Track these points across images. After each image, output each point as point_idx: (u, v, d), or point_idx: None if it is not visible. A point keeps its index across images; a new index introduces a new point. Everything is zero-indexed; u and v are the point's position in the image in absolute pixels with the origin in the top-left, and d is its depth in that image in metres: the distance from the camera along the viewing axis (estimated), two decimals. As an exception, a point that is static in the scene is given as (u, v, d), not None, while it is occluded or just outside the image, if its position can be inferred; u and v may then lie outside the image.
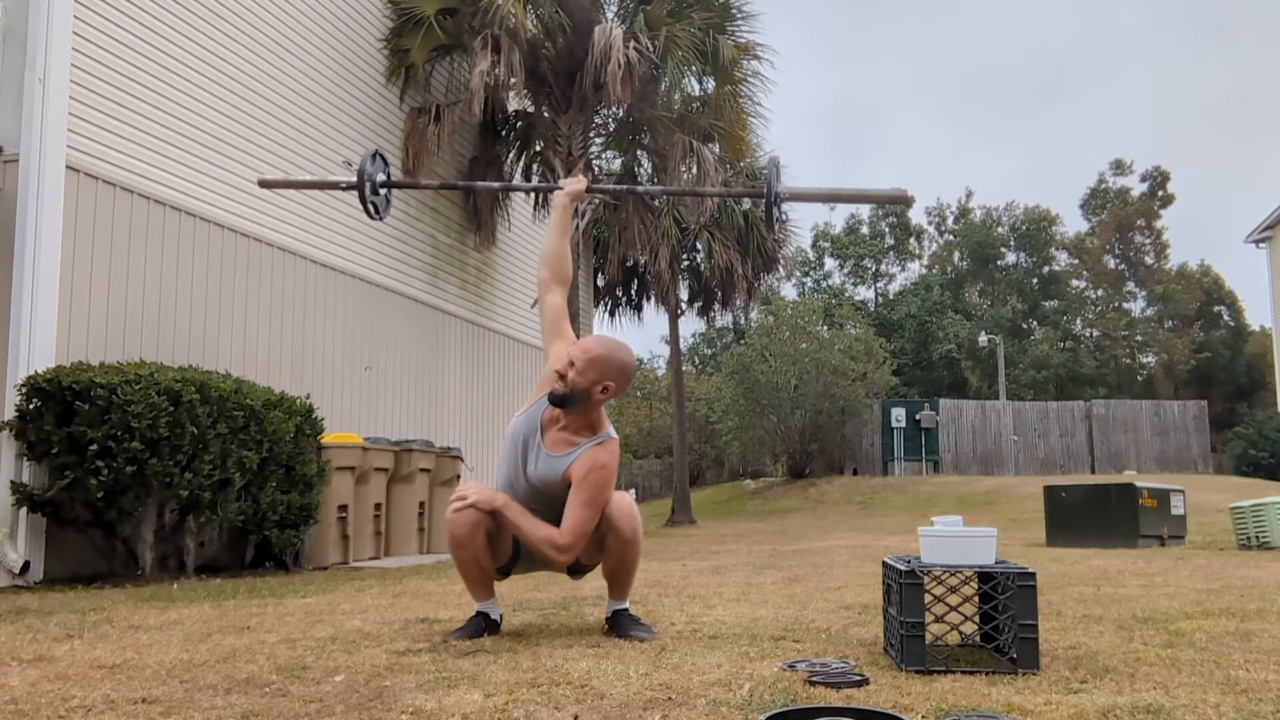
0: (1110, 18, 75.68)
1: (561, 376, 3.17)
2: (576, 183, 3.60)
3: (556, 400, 3.20)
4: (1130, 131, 73.85)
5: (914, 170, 73.22)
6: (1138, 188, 43.25)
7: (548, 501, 3.25)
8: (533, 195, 12.96)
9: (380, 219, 3.70)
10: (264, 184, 3.91)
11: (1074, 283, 43.31)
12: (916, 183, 73.56)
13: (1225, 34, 73.71)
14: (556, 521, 3.19)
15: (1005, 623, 2.72)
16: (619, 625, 3.36)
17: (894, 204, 3.06)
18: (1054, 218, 43.04)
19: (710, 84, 12.63)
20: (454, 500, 3.23)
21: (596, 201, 12.32)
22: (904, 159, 74.95)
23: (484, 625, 3.39)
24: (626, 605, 3.44)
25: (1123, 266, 43.56)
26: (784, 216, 3.37)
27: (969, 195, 52.80)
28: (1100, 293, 43.26)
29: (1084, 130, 70.68)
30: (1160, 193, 42.91)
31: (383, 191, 3.62)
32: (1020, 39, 76.82)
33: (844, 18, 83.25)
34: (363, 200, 3.58)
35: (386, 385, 10.26)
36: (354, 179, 3.58)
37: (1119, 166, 43.77)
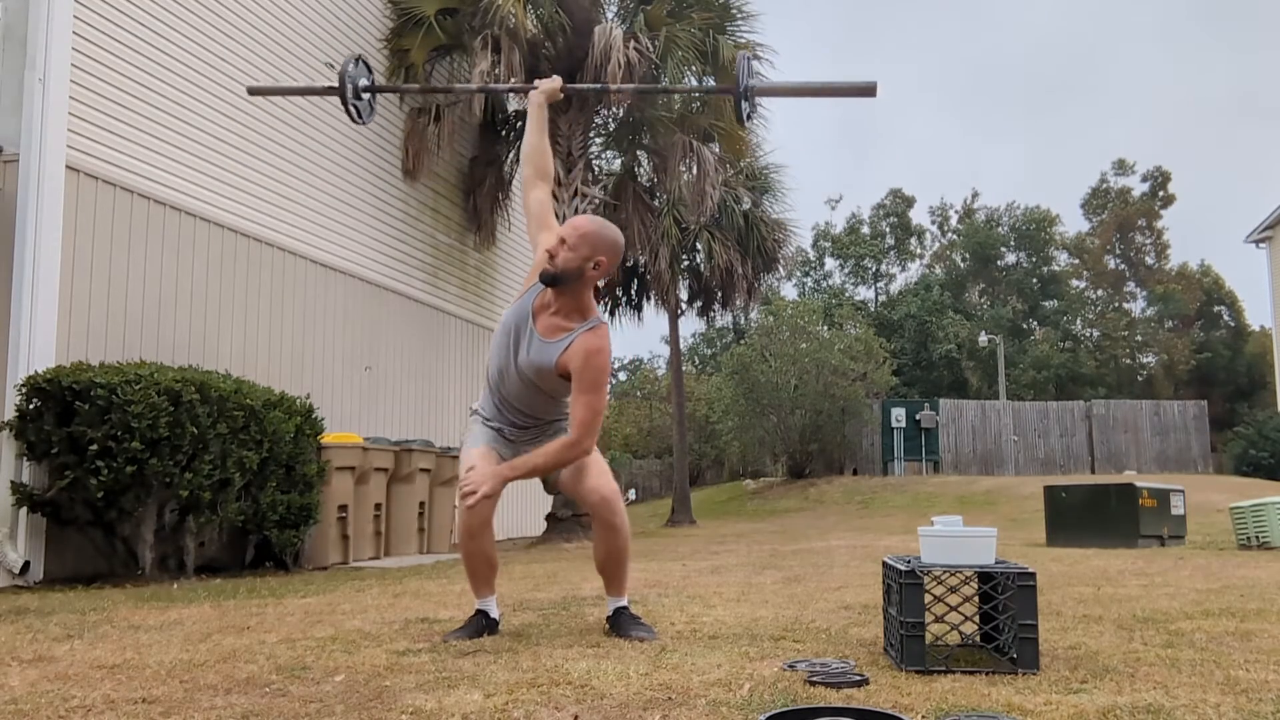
0: (1111, 18, 75.72)
1: (553, 256, 3.19)
2: (551, 82, 3.63)
3: (549, 279, 3.21)
4: (1131, 131, 73.89)
5: (918, 168, 73.29)
6: (1139, 188, 43.31)
7: (537, 393, 3.29)
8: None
9: (363, 123, 3.78)
10: (253, 91, 3.97)
11: (1074, 283, 43.31)
12: (922, 180, 73.65)
13: (1226, 33, 73.76)
14: (541, 435, 3.32)
15: (1005, 623, 2.72)
16: (619, 624, 3.36)
17: (860, 96, 3.05)
18: (1054, 218, 43.06)
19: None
20: (464, 492, 3.21)
21: (597, 201, 12.32)
22: (908, 156, 75.00)
23: (484, 624, 3.39)
24: (626, 602, 3.44)
25: (1123, 267, 43.56)
26: (753, 110, 3.46)
27: (974, 195, 52.74)
28: (1100, 293, 43.26)
29: (1084, 130, 70.72)
30: (1161, 193, 42.91)
31: (365, 96, 3.67)
32: (1022, 39, 76.87)
33: (851, 14, 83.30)
34: (344, 103, 3.64)
35: (386, 385, 10.26)
36: (336, 83, 3.65)
37: (1121, 166, 43.79)
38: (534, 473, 3.25)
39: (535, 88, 3.63)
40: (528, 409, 3.36)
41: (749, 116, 3.47)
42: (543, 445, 3.29)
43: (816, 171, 75.72)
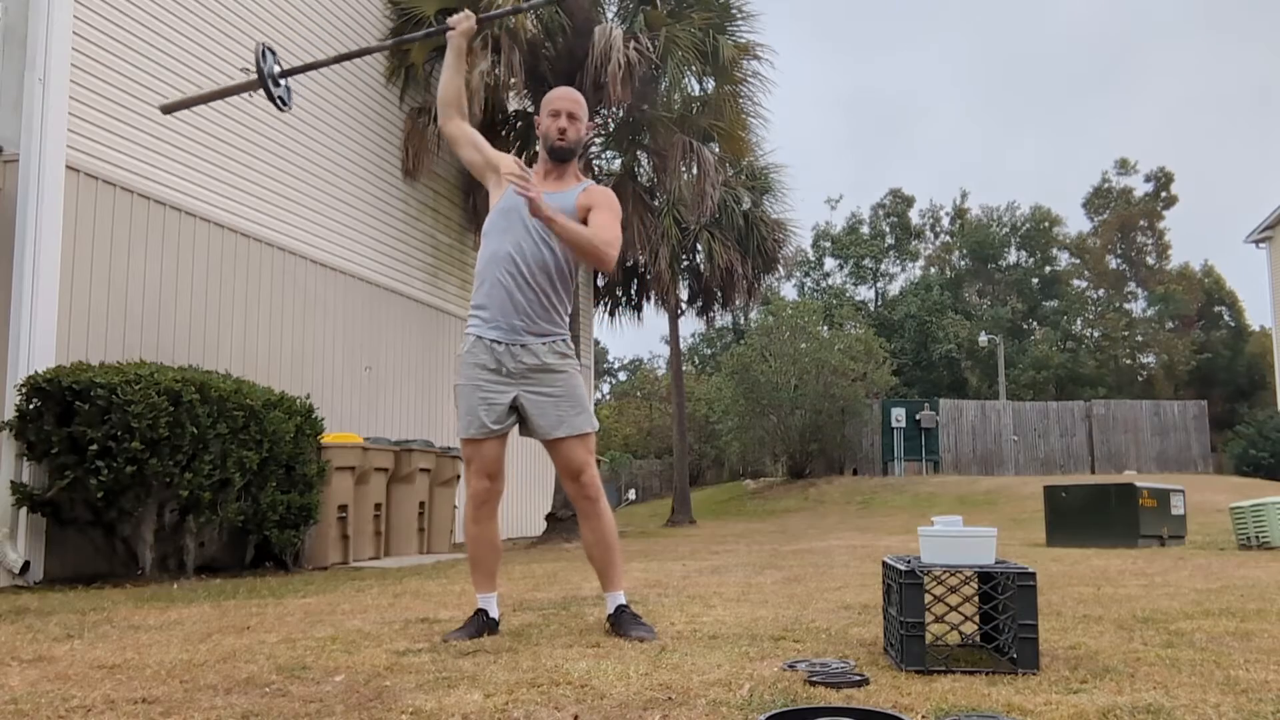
0: (1111, 17, 75.72)
1: (563, 132, 3.47)
2: (465, 19, 3.64)
3: (568, 153, 3.50)
4: (1131, 131, 73.87)
5: (927, 167, 73.30)
6: (1141, 188, 43.30)
7: (549, 262, 3.42)
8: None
9: (288, 109, 3.78)
10: (166, 109, 3.87)
11: (1074, 283, 43.29)
12: (928, 177, 73.59)
13: (1226, 32, 73.76)
14: (540, 358, 3.43)
15: (1005, 623, 2.72)
16: (620, 623, 3.37)
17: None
18: (1056, 218, 43.04)
19: (710, 84, 12.62)
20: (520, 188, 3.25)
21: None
22: (914, 153, 74.98)
23: (484, 624, 3.40)
24: (624, 599, 3.47)
25: (1124, 267, 43.55)
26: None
27: (964, 195, 52.77)
28: (1101, 293, 43.24)
29: (1084, 129, 70.72)
30: (1164, 193, 42.90)
31: (283, 82, 3.68)
32: (1024, 38, 76.85)
33: (861, 11, 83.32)
34: (270, 97, 3.65)
35: (386, 385, 10.26)
36: (253, 78, 3.63)
37: (1124, 166, 43.76)
38: (566, 233, 3.32)
39: (451, 28, 3.61)
40: (537, 287, 3.42)
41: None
42: (542, 389, 3.39)
43: (826, 169, 75.83)
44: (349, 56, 3.80)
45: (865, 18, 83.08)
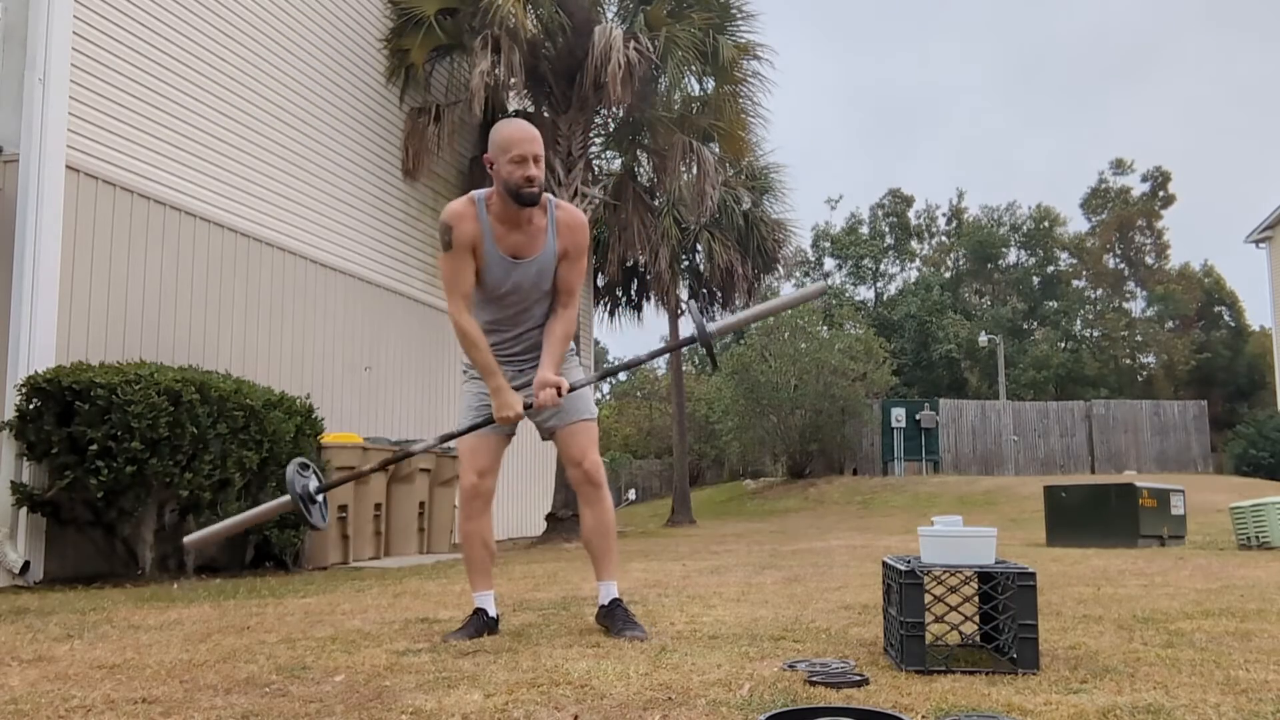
0: (1109, 17, 75.72)
1: (530, 180, 3.25)
2: (511, 414, 3.36)
3: (537, 198, 3.29)
4: (1132, 130, 73.86)
5: (924, 166, 73.32)
6: (1139, 187, 43.29)
7: (540, 293, 3.43)
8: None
9: (323, 527, 3.47)
10: (190, 544, 3.53)
11: (1075, 283, 43.28)
12: (931, 176, 73.59)
13: (1226, 32, 73.75)
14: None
15: (1005, 623, 2.72)
16: (613, 619, 3.40)
17: (814, 298, 3.29)
18: (1058, 218, 43.04)
19: (710, 84, 12.61)
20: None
21: (597, 201, 12.32)
22: (916, 153, 74.99)
23: (483, 624, 3.40)
24: (617, 592, 3.49)
25: (1123, 267, 43.54)
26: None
27: (961, 196, 52.76)
28: (1100, 293, 43.23)
29: (1085, 129, 70.74)
30: (1161, 193, 42.89)
31: (320, 497, 3.38)
32: (1024, 37, 76.85)
33: (865, 10, 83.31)
34: (305, 515, 3.31)
35: (386, 385, 10.26)
36: (286, 500, 3.30)
37: (1120, 166, 43.75)
38: (559, 361, 3.39)
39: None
40: (529, 317, 3.47)
41: (715, 361, 3.47)
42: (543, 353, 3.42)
43: (829, 168, 75.89)
44: (389, 464, 3.61)
45: (868, 16, 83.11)
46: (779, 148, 45.29)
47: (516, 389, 3.41)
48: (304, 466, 3.35)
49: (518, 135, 3.25)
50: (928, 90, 77.42)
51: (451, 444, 3.58)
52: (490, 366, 3.33)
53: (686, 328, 16.13)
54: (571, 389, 3.33)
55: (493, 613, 3.45)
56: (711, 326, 3.26)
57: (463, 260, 3.32)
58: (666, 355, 22.41)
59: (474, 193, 3.39)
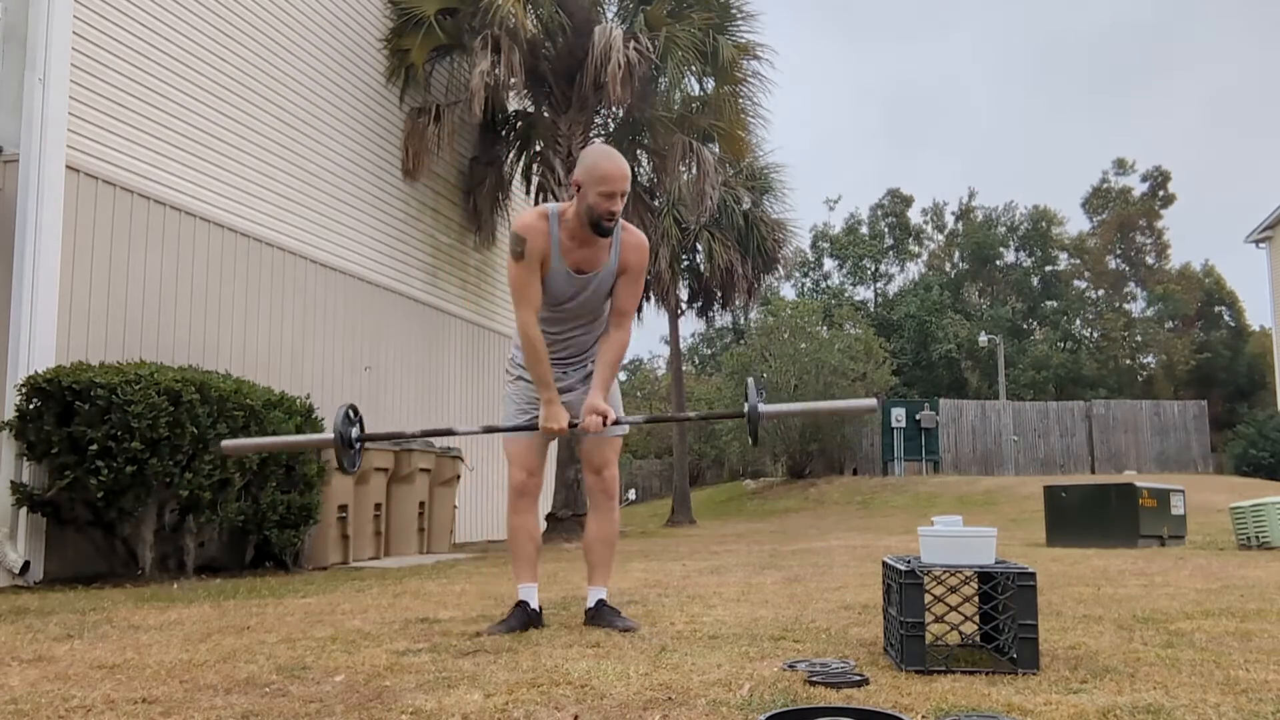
0: (1111, 17, 75.71)
1: (613, 215, 3.33)
2: (556, 426, 3.44)
3: (613, 230, 3.39)
4: (1132, 129, 73.86)
5: (926, 166, 73.32)
6: (1139, 187, 43.28)
7: (597, 305, 3.53)
8: (533, 196, 12.96)
9: (353, 472, 3.56)
10: (226, 447, 3.63)
11: (1075, 283, 43.27)
12: (933, 176, 73.58)
13: (1225, 31, 73.74)
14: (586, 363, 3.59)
15: (1005, 623, 2.72)
16: (602, 616, 3.50)
17: (861, 413, 3.36)
18: (1055, 218, 43.02)
19: (710, 84, 12.62)
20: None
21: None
22: (927, 150, 74.94)
23: (527, 618, 3.47)
24: (605, 595, 3.61)
25: (1124, 267, 43.54)
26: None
27: (971, 195, 52.71)
28: (1101, 293, 43.23)
29: (1086, 127, 70.72)
30: (1161, 192, 42.88)
31: (357, 445, 3.48)
32: (1024, 38, 76.84)
33: (872, 8, 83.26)
34: (339, 459, 3.41)
35: (386, 385, 10.26)
36: (329, 437, 3.43)
37: (1121, 165, 43.73)
38: (609, 387, 3.47)
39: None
40: (580, 327, 3.56)
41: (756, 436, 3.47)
42: (592, 368, 3.55)
43: (831, 167, 75.92)
44: (431, 433, 3.68)
45: (875, 15, 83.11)
46: (785, 146, 45.42)
47: (559, 390, 3.52)
48: (353, 412, 3.44)
49: (615, 173, 3.29)
50: (938, 88, 77.42)
51: (454, 441, 3.64)
52: (548, 380, 3.42)
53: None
54: (617, 422, 3.44)
55: (535, 605, 3.53)
56: (764, 408, 3.33)
57: (532, 271, 3.39)
58: (669, 356, 22.31)
59: (548, 206, 3.45)
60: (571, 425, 3.39)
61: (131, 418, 5.73)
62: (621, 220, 3.47)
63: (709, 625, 3.56)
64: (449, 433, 3.67)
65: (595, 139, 12.66)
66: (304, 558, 7.42)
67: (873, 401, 3.35)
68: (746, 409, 3.31)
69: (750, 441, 3.36)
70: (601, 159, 3.32)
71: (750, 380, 3.49)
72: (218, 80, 8.00)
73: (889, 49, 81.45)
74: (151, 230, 7.24)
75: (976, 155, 73.57)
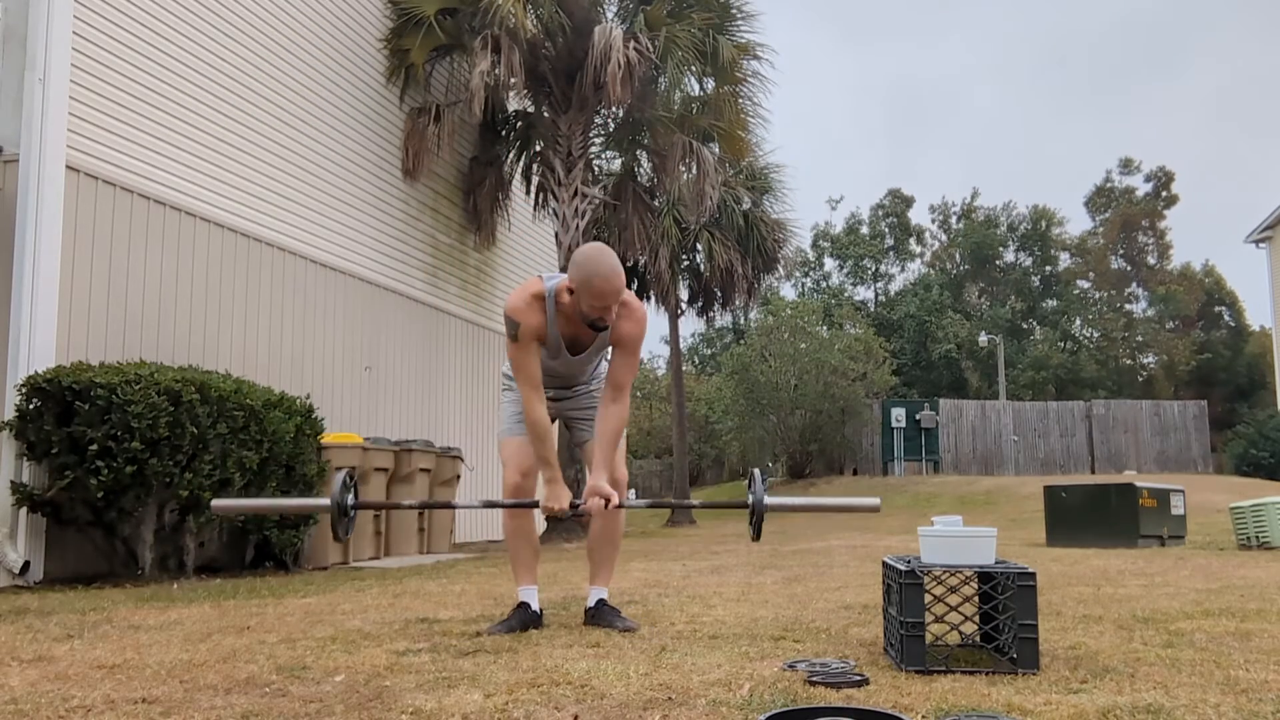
0: (1110, 16, 75.70)
1: (603, 319, 3.34)
2: (557, 507, 3.43)
3: (606, 326, 3.41)
4: (1133, 129, 73.85)
5: (928, 165, 73.28)
6: (1142, 188, 43.27)
7: (585, 365, 3.61)
8: (533, 196, 12.95)
9: (345, 539, 3.47)
10: (217, 508, 3.56)
11: (1080, 283, 43.24)
12: (935, 175, 73.58)
13: (1223, 31, 73.72)
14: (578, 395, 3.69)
15: (1005, 623, 2.72)
16: (602, 615, 3.51)
17: (867, 510, 3.35)
18: (1055, 218, 43.00)
19: (710, 84, 12.61)
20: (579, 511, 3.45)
21: (597, 201, 12.32)
22: (921, 151, 74.93)
23: (527, 618, 3.48)
24: (606, 595, 3.63)
25: (1129, 268, 43.53)
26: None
27: (975, 194, 52.70)
28: (1102, 294, 43.22)
29: (1086, 127, 70.70)
30: (1164, 193, 42.88)
31: (352, 513, 3.41)
32: (1025, 37, 76.83)
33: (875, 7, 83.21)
34: (335, 523, 3.32)
35: (386, 385, 10.25)
36: (325, 503, 3.34)
37: (1127, 165, 43.69)
38: (611, 465, 3.44)
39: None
40: (571, 379, 3.67)
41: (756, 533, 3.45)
42: (589, 414, 3.62)
43: (858, 151, 75.91)
44: (427, 506, 3.66)
45: (875, 14, 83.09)
46: (787, 145, 45.43)
47: (550, 400, 3.59)
48: (350, 479, 3.40)
49: (607, 289, 3.23)
50: (941, 87, 77.37)
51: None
52: (551, 461, 3.42)
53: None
54: (620, 506, 3.41)
55: (535, 607, 3.54)
56: (769, 500, 3.32)
57: (529, 351, 3.39)
58: (669, 356, 22.31)
59: (543, 286, 3.36)
60: (573, 506, 3.39)
61: (131, 418, 5.73)
62: (623, 308, 3.42)
63: (709, 625, 3.56)
64: (447, 506, 3.69)
65: (595, 139, 12.66)
66: (304, 558, 7.42)
67: (876, 500, 3.33)
68: (751, 501, 3.31)
69: (752, 537, 3.31)
70: (595, 276, 3.21)
71: (755, 471, 3.47)
72: (218, 80, 8.00)
73: (890, 49, 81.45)
74: (151, 230, 7.24)
75: (978, 155, 73.61)
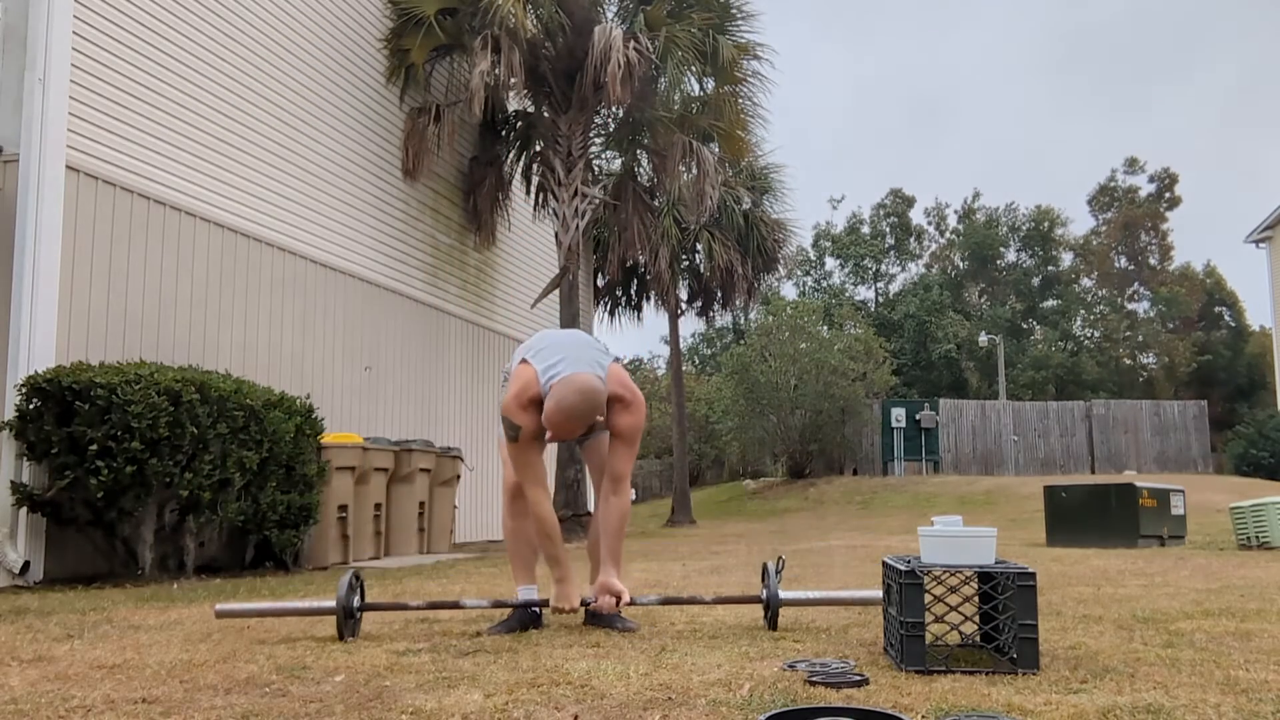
0: (1110, 16, 75.70)
1: (593, 428, 3.47)
2: (567, 607, 3.44)
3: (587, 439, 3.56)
4: (1133, 129, 73.83)
5: (930, 165, 73.29)
6: (1146, 188, 43.27)
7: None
8: (533, 196, 12.96)
9: (351, 640, 3.36)
10: (221, 611, 3.53)
11: (1084, 282, 43.24)
12: (936, 175, 73.58)
13: (1225, 31, 73.71)
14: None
15: (1005, 623, 2.72)
16: (601, 615, 3.48)
17: (873, 604, 3.44)
18: (1059, 219, 43.01)
19: (710, 84, 12.62)
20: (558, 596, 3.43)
21: (597, 201, 12.32)
22: (928, 149, 74.93)
23: (527, 618, 3.49)
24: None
25: (1130, 267, 43.54)
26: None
27: (976, 195, 52.71)
28: (1104, 294, 43.23)
29: (1087, 127, 70.69)
30: (1168, 194, 42.90)
31: (357, 614, 3.42)
32: (1025, 38, 76.86)
33: (876, 6, 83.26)
34: (339, 626, 3.32)
35: (386, 385, 10.26)
36: (330, 606, 3.36)
37: (1132, 165, 43.69)
38: (619, 561, 3.47)
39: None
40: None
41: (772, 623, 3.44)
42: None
43: (859, 151, 75.95)
44: (437, 606, 3.55)
45: (876, 15, 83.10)
46: (789, 145, 45.45)
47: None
48: (356, 580, 3.43)
49: (572, 426, 3.25)
50: (946, 86, 77.36)
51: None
52: (561, 559, 3.41)
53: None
54: (632, 603, 3.42)
55: (535, 606, 3.54)
56: (783, 594, 3.42)
57: (531, 449, 3.37)
58: (669, 356, 22.28)
59: (539, 388, 3.29)
60: (584, 604, 3.41)
61: (131, 418, 5.73)
62: (625, 381, 3.44)
63: (709, 625, 3.56)
64: (455, 605, 3.55)
65: (595, 139, 12.66)
66: (304, 558, 7.42)
67: (878, 593, 3.31)
68: (765, 595, 3.36)
69: (769, 626, 3.35)
70: (572, 408, 3.20)
71: (768, 564, 3.50)
72: (218, 80, 8.00)
73: (892, 48, 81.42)
74: (151, 230, 7.24)
75: (981, 155, 73.60)
